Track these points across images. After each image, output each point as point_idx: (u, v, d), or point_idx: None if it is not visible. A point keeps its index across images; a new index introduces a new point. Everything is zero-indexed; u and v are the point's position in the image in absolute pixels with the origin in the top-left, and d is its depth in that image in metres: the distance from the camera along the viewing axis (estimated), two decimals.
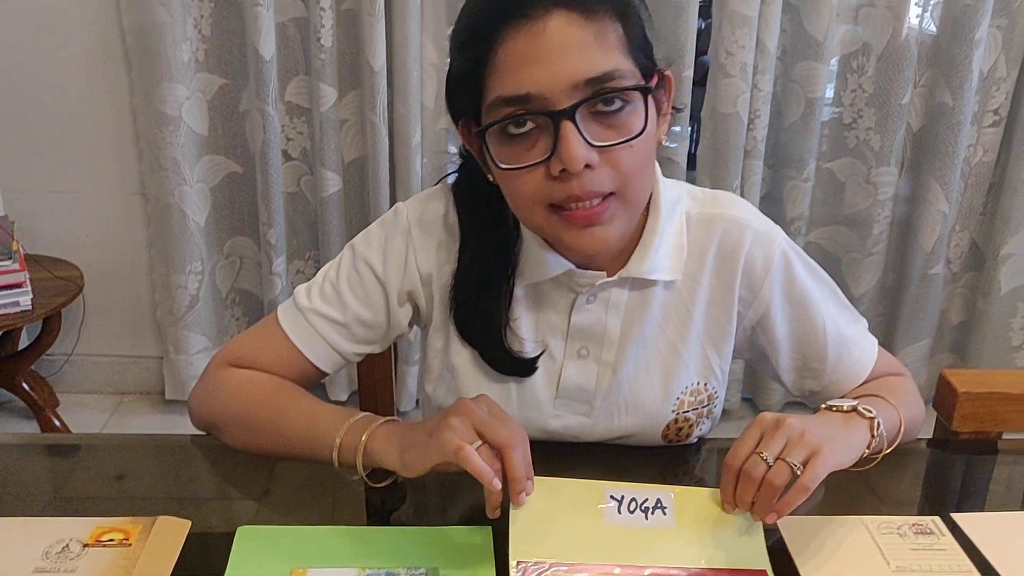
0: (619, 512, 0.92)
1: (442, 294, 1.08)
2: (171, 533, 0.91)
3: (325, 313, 1.08)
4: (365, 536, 0.93)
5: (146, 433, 1.16)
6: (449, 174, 1.10)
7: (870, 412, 0.96)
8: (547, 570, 0.86)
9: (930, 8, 2.42)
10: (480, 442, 0.86)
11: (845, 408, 0.97)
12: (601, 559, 0.88)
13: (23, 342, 2.64)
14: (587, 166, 0.89)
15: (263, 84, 2.38)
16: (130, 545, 0.89)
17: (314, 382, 1.12)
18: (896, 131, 2.48)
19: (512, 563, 0.86)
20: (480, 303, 1.06)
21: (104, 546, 0.89)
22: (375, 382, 1.43)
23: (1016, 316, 2.67)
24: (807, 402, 1.17)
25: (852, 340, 1.12)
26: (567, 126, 0.88)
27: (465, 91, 0.93)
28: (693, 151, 2.60)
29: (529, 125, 0.90)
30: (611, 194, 0.93)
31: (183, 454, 1.10)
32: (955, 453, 1.13)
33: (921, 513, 0.99)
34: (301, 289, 1.10)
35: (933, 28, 2.45)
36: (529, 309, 1.07)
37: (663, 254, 1.04)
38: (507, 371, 1.08)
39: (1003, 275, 2.60)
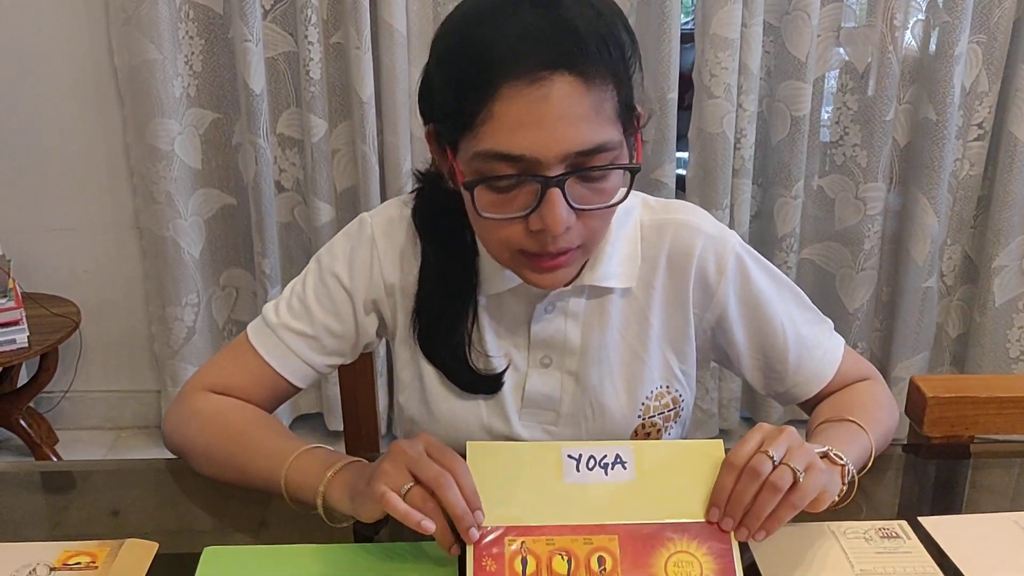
0: (577, 470, 0.92)
1: (406, 304, 1.10)
2: (138, 556, 0.92)
3: (294, 327, 1.10)
4: (336, 554, 0.94)
5: (117, 459, 1.18)
6: (413, 190, 1.12)
7: (841, 459, 0.96)
8: (502, 535, 0.87)
9: (910, 26, 2.44)
10: (410, 484, 0.86)
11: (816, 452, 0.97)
12: (561, 519, 0.89)
13: (21, 379, 2.66)
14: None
15: (254, 117, 2.41)
16: (96, 568, 0.90)
17: (288, 397, 1.14)
18: (882, 147, 2.49)
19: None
20: (443, 324, 1.08)
21: (71, 570, 0.90)
22: (357, 400, 1.44)
23: (1013, 327, 2.66)
24: (778, 401, 1.18)
25: (813, 341, 1.13)
26: (554, 192, 0.90)
27: (450, 118, 0.93)
28: (682, 173, 2.61)
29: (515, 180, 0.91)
30: (578, 246, 0.96)
31: (157, 477, 1.11)
32: (927, 458, 1.13)
33: (891, 518, 0.99)
34: (269, 306, 1.12)
35: (915, 45, 2.47)
36: (491, 322, 1.09)
37: (616, 261, 1.06)
38: (473, 390, 1.10)
39: (996, 287, 2.60)
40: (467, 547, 0.88)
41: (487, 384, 1.10)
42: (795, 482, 0.86)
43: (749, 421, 2.89)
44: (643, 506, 0.91)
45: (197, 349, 2.63)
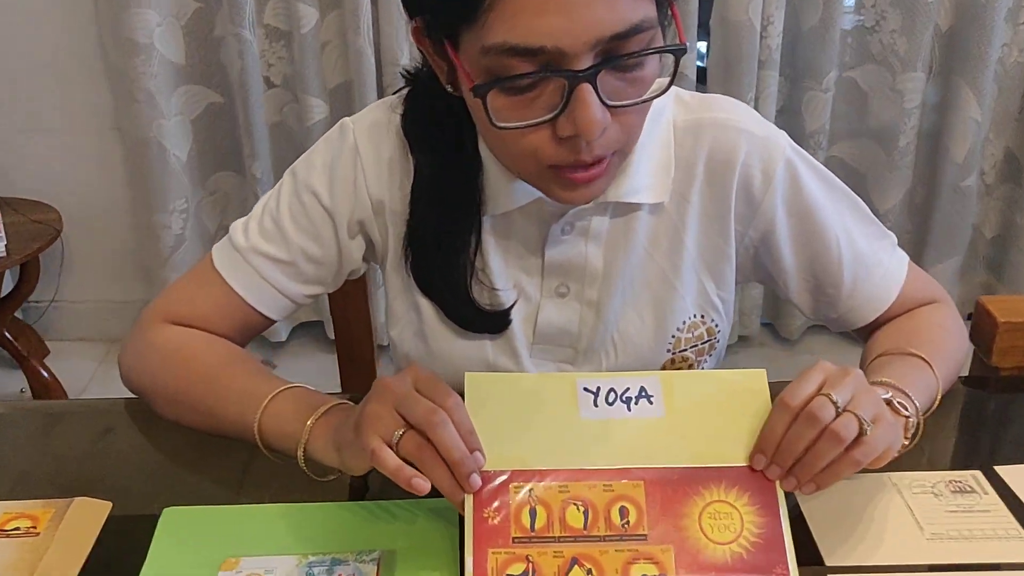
0: (595, 405, 0.79)
1: (397, 225, 0.94)
2: (87, 518, 0.80)
3: (266, 252, 0.95)
4: (309, 515, 0.81)
5: (65, 402, 1.04)
6: (400, 89, 0.95)
7: (905, 410, 0.81)
8: (506, 481, 0.74)
9: None
10: (402, 429, 0.73)
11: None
12: (576, 462, 0.76)
13: (4, 289, 2.53)
14: None
15: (237, 6, 2.22)
16: (37, 534, 0.77)
17: (261, 330, 1.00)
18: (923, 33, 2.28)
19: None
20: (440, 252, 0.93)
21: (7, 536, 0.77)
22: (349, 324, 1.30)
23: None
24: (830, 327, 1.03)
25: (872, 259, 0.97)
26: (585, 89, 0.73)
27: (446, 6, 0.76)
28: (703, 64, 2.41)
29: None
30: (614, 152, 0.80)
31: (114, 421, 0.98)
32: (997, 392, 0.99)
33: (959, 467, 0.85)
34: (237, 225, 0.97)
35: None
36: (497, 247, 0.93)
37: (646, 172, 0.90)
38: (477, 328, 0.95)
39: None
40: (466, 498, 0.74)
41: (493, 322, 0.95)
42: (860, 434, 0.72)
43: (769, 327, 2.76)
44: (673, 447, 0.77)
45: (188, 258, 2.48)
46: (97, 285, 2.66)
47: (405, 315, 0.98)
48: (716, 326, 0.99)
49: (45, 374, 2.46)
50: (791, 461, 0.74)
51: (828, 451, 0.72)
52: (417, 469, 0.72)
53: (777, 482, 0.75)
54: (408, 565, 0.75)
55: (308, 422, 0.81)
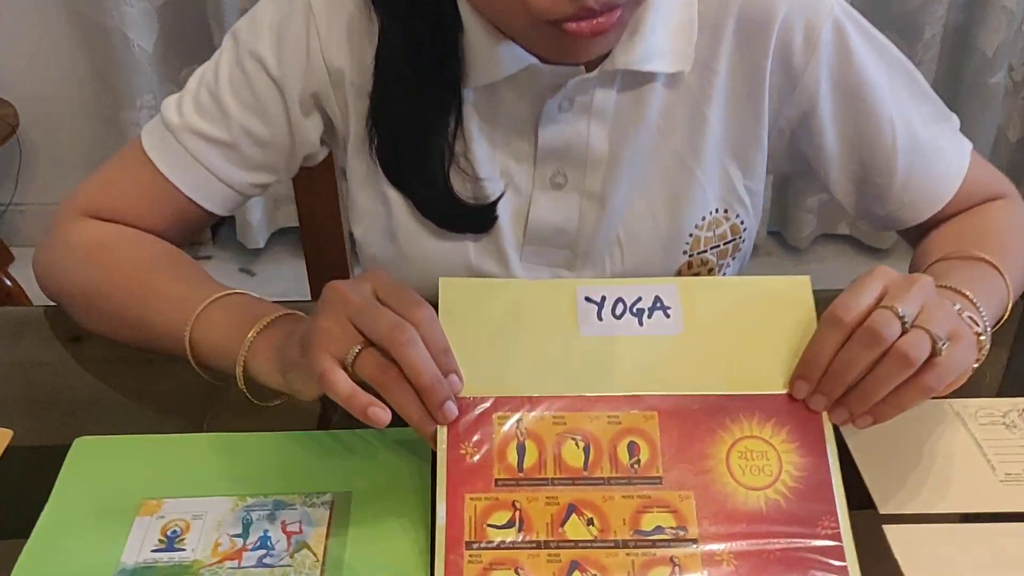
0: (599, 318, 0.65)
1: (359, 98, 0.78)
2: None
3: (203, 131, 0.79)
4: (248, 448, 0.68)
5: None
6: None
7: (976, 325, 0.66)
8: (489, 410, 0.61)
9: None
10: (358, 347, 0.59)
11: None
12: (575, 387, 0.62)
13: None
14: None
15: None
16: None
17: (201, 226, 0.85)
18: None
19: None
20: (412, 133, 0.77)
21: None
22: (318, 222, 1.15)
23: None
24: (874, 226, 0.88)
25: (931, 146, 0.81)
26: None
27: None
28: None
29: None
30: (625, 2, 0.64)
31: (24, 331, 0.84)
32: None
33: None
34: (170, 101, 0.80)
35: None
36: (481, 127, 0.78)
37: (663, 34, 0.73)
38: (457, 227, 0.80)
39: None
40: (439, 430, 0.60)
41: (475, 218, 0.80)
42: (932, 355, 0.58)
43: (777, 236, 2.61)
44: (694, 371, 0.63)
45: None
46: (60, 187, 2.49)
47: (371, 210, 0.83)
48: (742, 223, 0.83)
49: (8, 283, 2.31)
50: (842, 388, 0.60)
51: (892, 376, 0.58)
52: (378, 396, 0.58)
53: (824, 414, 0.61)
54: (367, 511, 0.62)
55: (249, 335, 0.67)
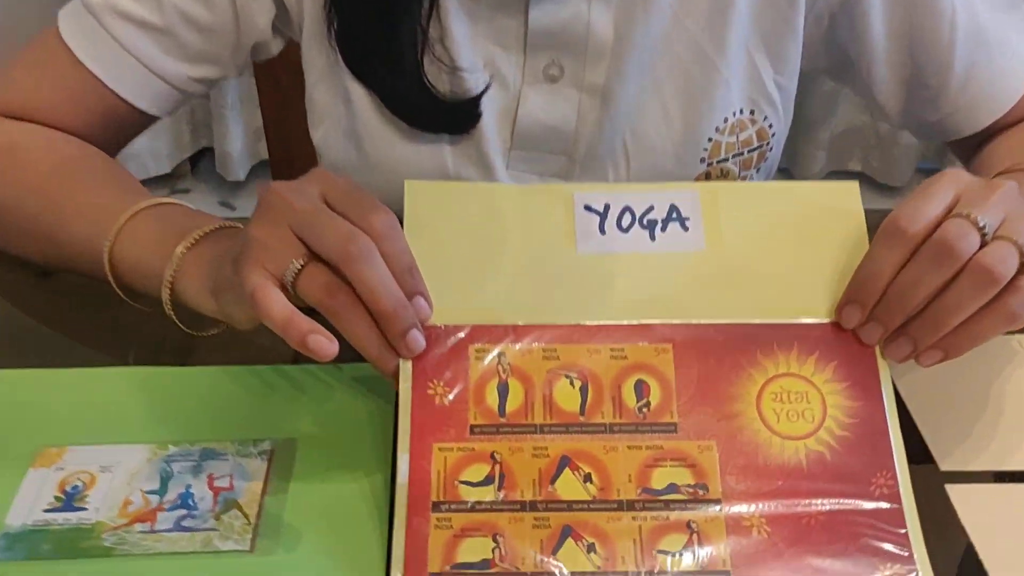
0: (602, 231, 0.52)
1: None
2: None
3: (131, 13, 0.66)
4: (171, 385, 0.56)
5: None
6: None
7: None
8: (464, 341, 0.50)
9: None
10: (301, 261, 0.47)
11: None
12: (569, 314, 0.51)
13: None
14: None
15: None
16: None
17: (135, 129, 0.72)
18: None
19: None
20: (377, 13, 0.64)
21: None
22: (283, 126, 1.02)
23: None
24: (920, 135, 0.75)
25: (997, 36, 0.69)
26: None
27: None
28: None
29: None
30: None
31: None
32: None
33: None
34: None
35: None
36: (460, 9, 0.65)
37: None
38: (431, 126, 0.68)
39: None
40: (402, 366, 0.49)
41: (454, 116, 0.68)
42: (1019, 273, 0.46)
43: (784, 174, 2.48)
44: (719, 295, 0.51)
45: None
46: None
47: (331, 109, 0.70)
48: (770, 127, 0.71)
49: None
50: (903, 316, 0.48)
51: (969, 298, 0.46)
52: (325, 323, 0.47)
53: (877, 348, 0.49)
54: (314, 462, 0.51)
55: (177, 250, 0.55)
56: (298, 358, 0.56)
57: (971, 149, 0.73)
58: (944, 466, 0.52)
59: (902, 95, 0.71)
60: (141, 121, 0.70)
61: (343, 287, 0.47)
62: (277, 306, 0.46)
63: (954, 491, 0.50)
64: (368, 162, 0.70)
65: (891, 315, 0.48)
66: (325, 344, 0.46)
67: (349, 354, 0.47)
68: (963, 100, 0.70)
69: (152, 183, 2.05)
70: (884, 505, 0.46)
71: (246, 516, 0.47)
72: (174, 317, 0.56)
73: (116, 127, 0.70)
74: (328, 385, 0.55)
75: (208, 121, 2.15)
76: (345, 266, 0.46)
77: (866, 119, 2.22)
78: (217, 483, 0.49)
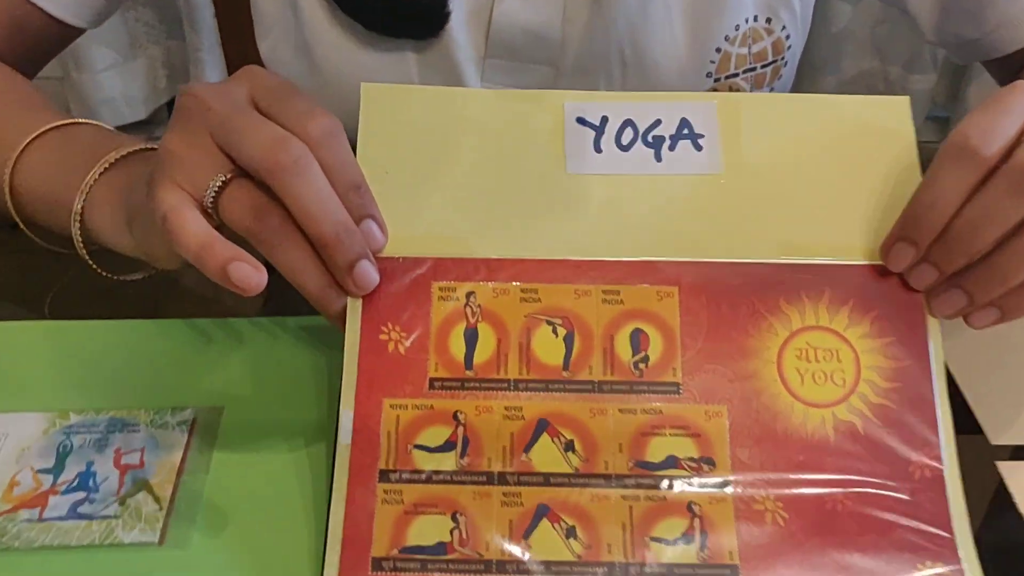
0: (597, 149, 0.43)
1: None
2: None
3: None
4: (80, 340, 0.47)
5: None
6: None
7: None
8: (425, 276, 0.41)
9: None
10: (223, 175, 0.39)
11: None
12: (553, 247, 0.42)
13: None
14: None
15: None
16: None
17: (51, 44, 0.62)
18: None
19: None
20: None
21: None
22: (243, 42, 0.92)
23: None
24: (958, 55, 0.66)
25: None
26: None
27: None
28: None
29: None
30: None
31: None
32: None
33: None
34: None
35: None
36: None
37: None
38: (392, 31, 0.58)
39: None
40: (349, 307, 0.40)
41: (419, 18, 0.57)
42: None
43: None
44: (736, 228, 0.42)
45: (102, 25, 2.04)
46: None
47: (278, 16, 0.60)
48: (787, 37, 0.61)
49: None
50: (968, 257, 0.39)
51: None
52: (253, 251, 0.38)
53: (924, 298, 0.41)
54: (243, 433, 0.42)
55: (87, 178, 0.46)
56: (261, 310, 0.47)
57: (1013, 71, 0.63)
58: (995, 440, 0.43)
59: (938, 6, 0.61)
60: (60, 33, 0.60)
61: (275, 208, 0.38)
62: (192, 229, 0.37)
63: (1007, 469, 0.42)
64: (322, 78, 0.60)
65: (951, 256, 0.39)
66: (249, 274, 0.37)
67: (300, 306, 0.39)
68: (1013, 11, 0.60)
69: (128, 131, 1.94)
70: (926, 489, 0.38)
71: (157, 499, 0.39)
72: (88, 259, 0.47)
73: (26, 40, 0.60)
74: (268, 341, 0.46)
75: (185, 64, 2.02)
76: (273, 179, 0.38)
77: (875, 64, 2.11)
78: (125, 459, 0.40)
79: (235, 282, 0.37)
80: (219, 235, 0.38)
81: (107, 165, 0.46)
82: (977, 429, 0.44)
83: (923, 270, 0.40)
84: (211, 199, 0.39)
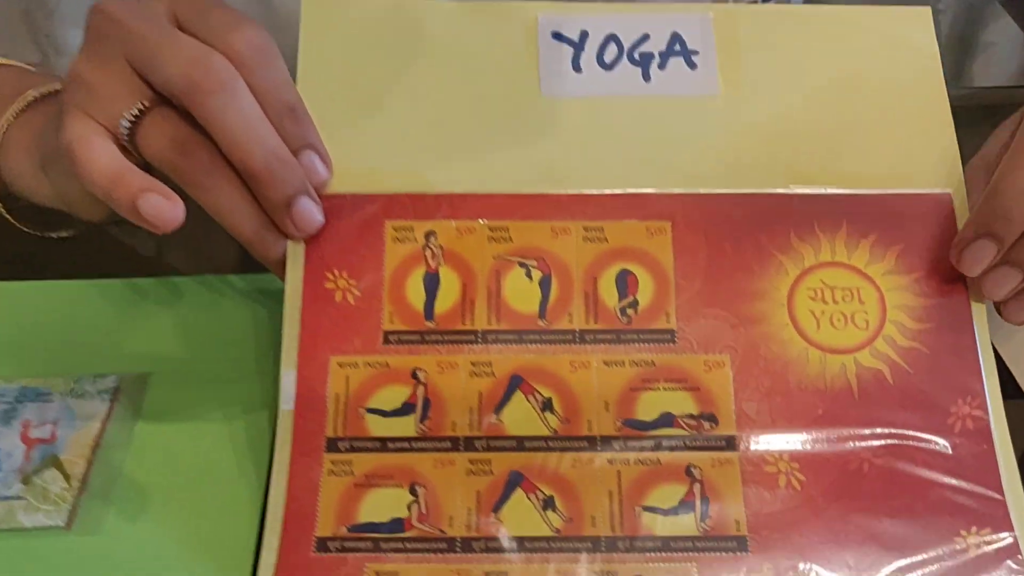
0: (577, 67, 0.38)
1: None
2: None
3: None
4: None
5: None
6: None
7: None
8: (376, 215, 0.36)
9: None
10: (140, 104, 0.34)
11: None
12: (525, 180, 0.36)
13: None
14: None
15: None
16: None
17: None
18: None
19: None
20: None
21: None
22: None
23: None
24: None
25: None
26: None
27: None
28: None
29: None
30: None
31: None
32: None
33: None
34: None
35: None
36: None
37: None
38: None
39: None
40: (289, 251, 0.35)
41: None
42: None
43: None
44: (737, 155, 0.37)
45: (81, 5, 2.00)
46: None
47: None
48: None
49: None
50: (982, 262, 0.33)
51: None
52: (177, 187, 0.33)
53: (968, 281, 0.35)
54: (171, 402, 0.37)
55: (1, 121, 0.41)
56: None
57: None
58: None
59: None
60: None
61: (199, 139, 0.33)
62: (100, 160, 0.32)
63: None
64: (276, 20, 0.55)
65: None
66: (163, 206, 0.32)
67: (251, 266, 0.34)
68: None
69: None
70: (969, 443, 0.32)
71: (67, 477, 0.33)
72: (5, 213, 0.42)
73: None
74: (203, 301, 0.40)
75: None
76: (194, 103, 0.32)
77: None
78: (34, 433, 0.35)
79: (146, 216, 0.32)
80: (133, 166, 0.33)
81: (24, 104, 0.41)
82: (1016, 392, 0.38)
83: (1004, 274, 0.33)
84: (127, 130, 0.33)
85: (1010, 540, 0.31)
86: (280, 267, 0.35)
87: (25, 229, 0.42)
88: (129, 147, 0.34)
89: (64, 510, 0.32)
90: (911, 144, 0.36)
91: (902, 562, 0.31)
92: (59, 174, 0.37)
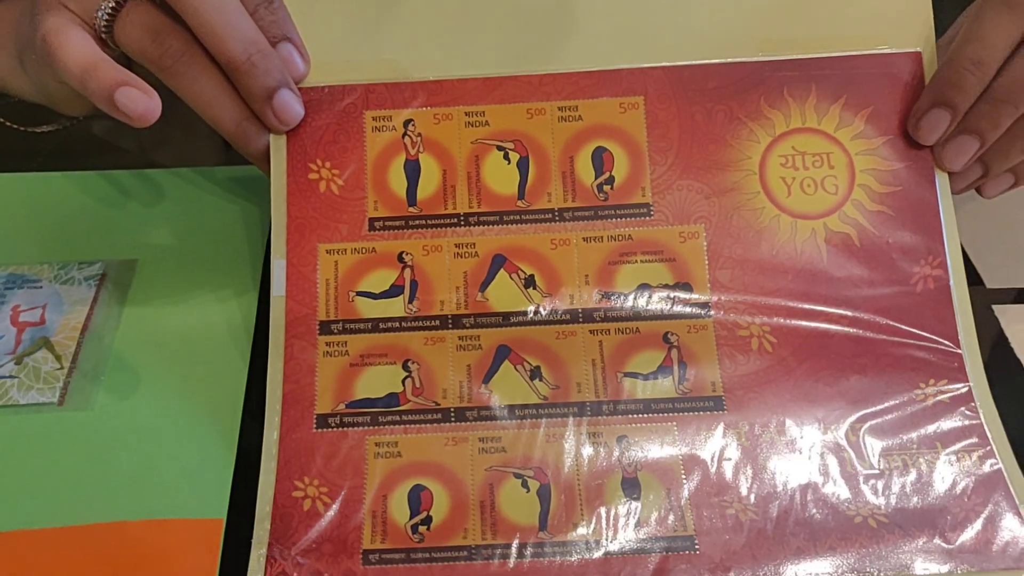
0: None
1: None
2: None
3: None
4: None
5: None
6: None
7: None
8: (357, 102, 0.36)
9: None
10: None
11: None
12: (500, 61, 0.37)
13: None
14: None
15: None
16: None
17: None
18: None
19: None
20: None
21: None
22: None
23: None
24: None
25: None
26: None
27: None
28: None
29: None
30: None
31: None
32: None
33: None
34: None
35: None
36: None
37: None
38: None
39: None
40: (272, 143, 0.35)
41: None
42: None
43: None
44: (705, 24, 0.37)
45: None
46: None
47: None
48: None
49: None
50: (1011, 119, 0.34)
51: None
52: (156, 84, 0.33)
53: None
54: (158, 287, 0.38)
55: None
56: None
57: None
58: (992, 284, 0.39)
59: None
60: None
61: (174, 27, 0.33)
62: (75, 50, 0.33)
63: (1003, 312, 0.38)
64: None
65: (997, 119, 0.33)
66: (139, 99, 0.32)
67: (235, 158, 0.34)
68: None
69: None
70: (930, 301, 0.34)
71: (57, 358, 0.35)
72: None
73: None
74: (190, 193, 0.41)
75: None
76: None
77: None
78: (24, 317, 0.36)
79: (122, 109, 0.32)
80: (108, 58, 0.33)
81: None
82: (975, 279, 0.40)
83: (963, 143, 0.34)
84: (104, 22, 0.34)
85: (964, 389, 0.33)
86: (263, 160, 0.36)
87: (8, 123, 0.42)
88: (108, 41, 0.34)
89: (56, 388, 0.34)
90: (881, 3, 0.36)
91: (866, 411, 0.33)
92: (36, 66, 0.38)
